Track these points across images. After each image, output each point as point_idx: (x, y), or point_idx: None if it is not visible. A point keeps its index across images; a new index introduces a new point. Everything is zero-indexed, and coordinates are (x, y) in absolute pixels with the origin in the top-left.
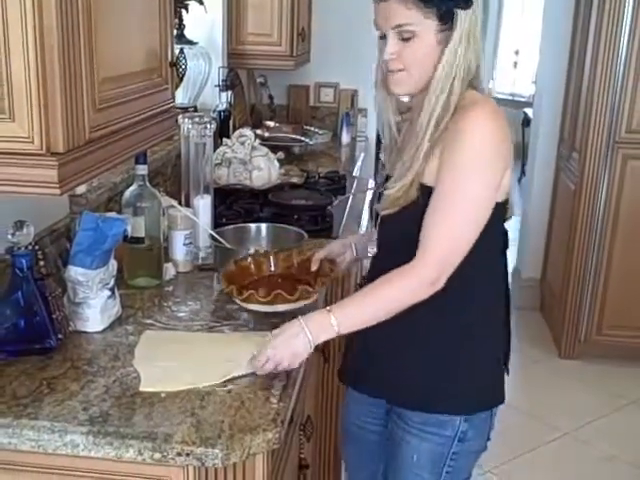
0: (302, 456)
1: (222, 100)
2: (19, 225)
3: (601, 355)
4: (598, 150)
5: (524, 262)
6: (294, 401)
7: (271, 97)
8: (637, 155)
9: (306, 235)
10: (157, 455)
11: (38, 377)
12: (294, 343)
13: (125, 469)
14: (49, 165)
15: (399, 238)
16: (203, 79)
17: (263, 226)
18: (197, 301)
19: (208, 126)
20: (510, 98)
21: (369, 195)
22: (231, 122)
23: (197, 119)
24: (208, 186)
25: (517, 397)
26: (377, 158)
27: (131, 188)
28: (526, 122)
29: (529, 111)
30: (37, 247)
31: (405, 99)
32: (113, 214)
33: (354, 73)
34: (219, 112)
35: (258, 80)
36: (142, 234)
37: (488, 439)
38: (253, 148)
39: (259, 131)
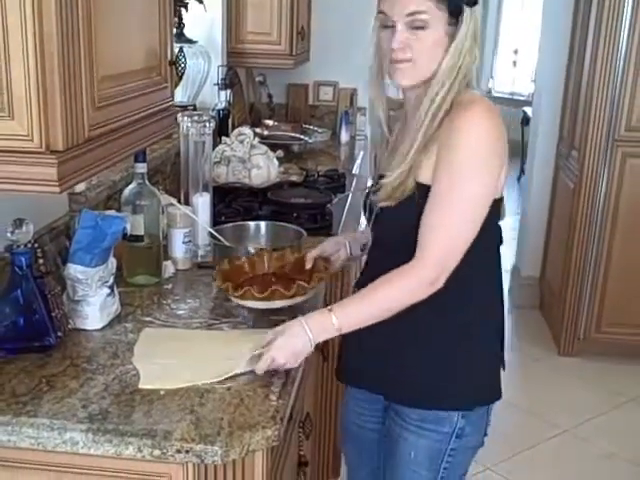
0: (301, 453)
1: (221, 99)
2: (18, 223)
3: (600, 353)
4: (597, 148)
5: (523, 260)
6: (293, 398)
7: (270, 96)
8: (636, 153)
9: (305, 233)
10: (156, 452)
11: (37, 375)
12: (295, 342)
13: (124, 466)
14: (48, 163)
15: (395, 236)
16: (202, 78)
17: (262, 224)
18: (196, 299)
19: (207, 124)
20: (509, 97)
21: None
22: (230, 121)
23: (196, 117)
24: (207, 184)
25: (517, 395)
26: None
27: (130, 186)
28: (525, 121)
29: (528, 110)
30: (36, 245)
31: (400, 95)
32: (112, 212)
33: (353, 72)
34: (218, 111)
35: (257, 79)
36: (141, 232)
37: (485, 434)
38: (252, 146)
39: (258, 130)
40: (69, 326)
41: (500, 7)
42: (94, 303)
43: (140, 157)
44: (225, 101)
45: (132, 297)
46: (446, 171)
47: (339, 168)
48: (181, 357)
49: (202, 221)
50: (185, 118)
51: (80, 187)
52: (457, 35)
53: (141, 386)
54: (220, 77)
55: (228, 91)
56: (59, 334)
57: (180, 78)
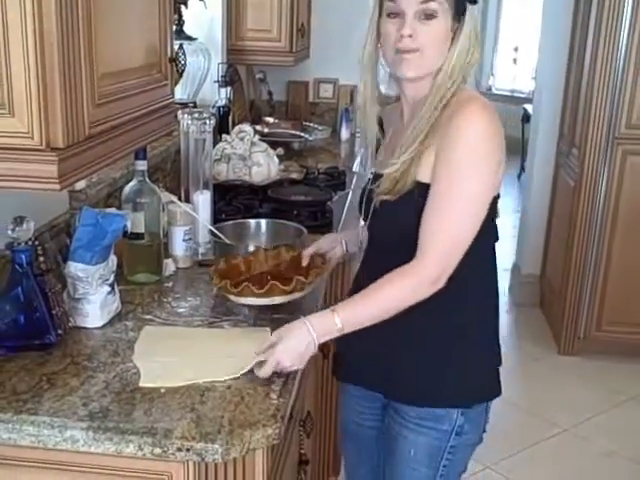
0: (302, 452)
1: (221, 96)
2: (19, 221)
3: (600, 351)
4: (598, 146)
5: (524, 258)
6: (294, 397)
7: (270, 93)
8: (637, 151)
9: (305, 231)
10: (157, 450)
11: (38, 373)
12: (299, 343)
13: (125, 464)
14: (49, 160)
15: (393, 235)
16: (202, 75)
17: (262, 222)
18: (197, 297)
19: (207, 122)
20: (510, 94)
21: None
22: (230, 118)
23: (196, 115)
24: (207, 182)
25: (517, 393)
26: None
27: (131, 184)
28: (526, 118)
29: (529, 107)
30: (37, 243)
31: (389, 91)
32: (113, 210)
33: (353, 69)
34: (218, 108)
35: (257, 76)
36: (142, 230)
37: (484, 431)
38: (252, 144)
39: (258, 127)
40: (70, 324)
41: (500, 4)
42: (95, 301)
43: (140, 154)
44: (225, 98)
45: (133, 295)
46: (445, 170)
47: (339, 165)
48: (182, 355)
49: (202, 219)
50: (185, 115)
51: (80, 185)
52: (462, 32)
53: (142, 384)
54: (220, 74)
55: (228, 88)
56: (60, 332)
57: (180, 75)
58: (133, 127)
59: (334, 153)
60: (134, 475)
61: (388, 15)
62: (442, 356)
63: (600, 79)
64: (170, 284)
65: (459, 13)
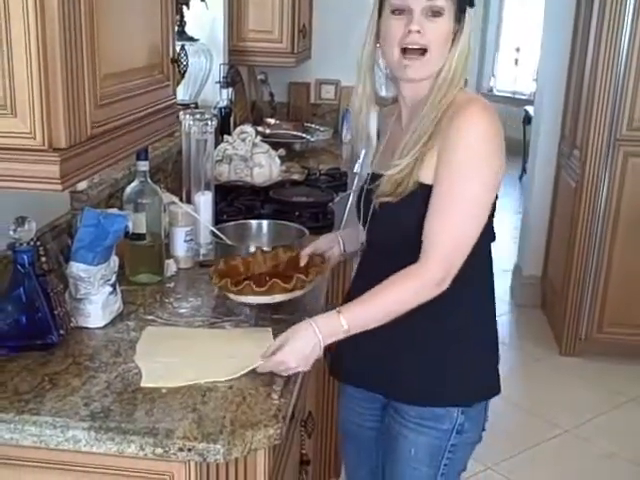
0: (303, 452)
1: (223, 97)
2: (21, 221)
3: (601, 353)
4: (599, 147)
5: (525, 259)
6: (295, 397)
7: (272, 94)
8: (638, 152)
9: (307, 232)
10: (159, 450)
11: (40, 373)
12: (305, 345)
13: (127, 464)
14: (51, 161)
15: (395, 237)
16: (204, 76)
17: (264, 223)
18: (198, 297)
19: (209, 123)
20: (511, 96)
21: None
22: (232, 119)
23: (198, 116)
24: (209, 183)
25: (518, 394)
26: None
27: (132, 184)
28: (527, 120)
29: (530, 109)
30: (39, 243)
31: (389, 94)
32: (114, 210)
33: (355, 70)
34: (220, 109)
35: (259, 77)
36: (143, 230)
37: (483, 430)
38: (254, 145)
39: (260, 128)
40: (71, 324)
41: (502, 5)
42: (96, 301)
43: (142, 155)
44: (227, 99)
45: (134, 295)
46: (446, 171)
47: (341, 167)
48: (183, 355)
49: (204, 220)
50: (187, 116)
51: (82, 185)
52: (462, 34)
53: (143, 384)
54: (222, 75)
55: (230, 89)
56: (61, 332)
57: (182, 76)
58: (135, 128)
59: (335, 154)
60: (136, 475)
61: (393, 12)
62: (442, 358)
63: (601, 81)
64: (172, 285)
65: (461, 12)
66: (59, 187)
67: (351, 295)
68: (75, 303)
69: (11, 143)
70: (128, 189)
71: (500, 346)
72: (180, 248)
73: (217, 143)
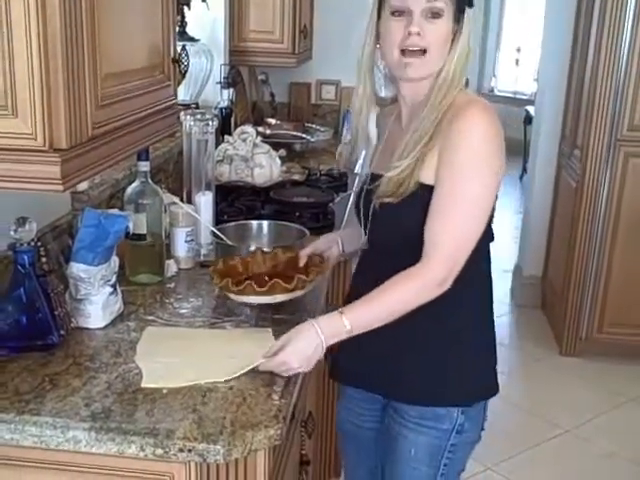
0: (303, 452)
1: (224, 97)
2: (21, 221)
3: (602, 353)
4: (600, 148)
5: (525, 260)
6: (296, 398)
7: (272, 94)
8: (639, 153)
9: (308, 232)
10: (159, 451)
11: (40, 373)
12: (307, 346)
13: (127, 465)
14: (52, 161)
15: (396, 237)
16: (205, 76)
17: (264, 223)
18: (199, 297)
19: (210, 123)
20: (512, 96)
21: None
22: (233, 119)
23: (199, 116)
24: (210, 183)
25: (518, 394)
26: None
27: (133, 185)
28: (528, 120)
29: (531, 109)
30: (39, 243)
31: (389, 94)
32: (115, 211)
33: (355, 71)
34: (221, 109)
35: (260, 77)
36: (144, 231)
37: (482, 429)
38: (255, 145)
39: (260, 128)
40: (72, 325)
41: (503, 5)
42: (97, 302)
43: (143, 155)
44: (228, 100)
45: (135, 296)
46: (448, 172)
47: (340, 167)
48: (184, 356)
49: (204, 220)
50: (188, 117)
51: (83, 186)
52: (461, 35)
53: (144, 385)
54: (222, 76)
55: (230, 90)
56: (62, 333)
57: (183, 76)
58: (136, 128)
59: (336, 155)
60: (136, 475)
61: (392, 13)
62: (443, 358)
63: (602, 81)
64: (172, 285)
65: (460, 13)
66: (60, 188)
67: (351, 294)
68: (75, 303)
69: (12, 144)
70: (129, 189)
71: (500, 346)
72: (181, 248)
73: (218, 143)
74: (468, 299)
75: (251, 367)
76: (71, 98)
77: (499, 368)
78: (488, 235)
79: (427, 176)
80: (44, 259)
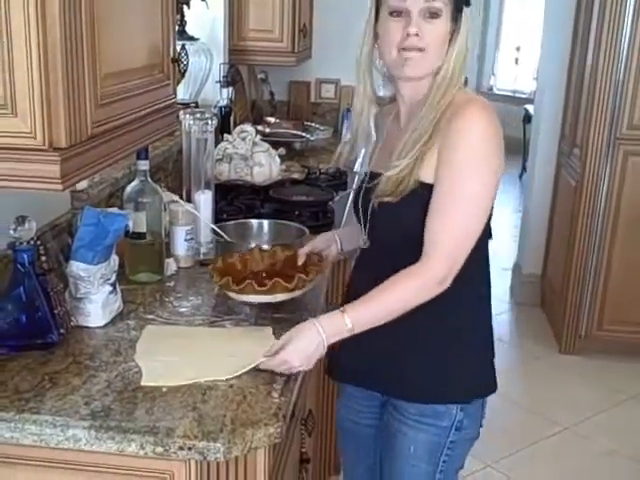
0: (303, 450)
1: (223, 96)
2: (21, 220)
3: (601, 350)
4: (599, 146)
5: (525, 258)
6: (295, 396)
7: (272, 93)
8: (638, 151)
9: (307, 231)
10: (159, 449)
11: (40, 372)
12: (309, 344)
13: (127, 463)
14: (51, 160)
15: (395, 236)
16: (204, 75)
17: (264, 222)
18: (198, 296)
19: (209, 122)
20: (511, 94)
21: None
22: (232, 118)
23: (198, 115)
24: (209, 182)
25: (517, 392)
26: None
27: (132, 183)
28: (527, 118)
29: (530, 107)
30: (39, 242)
31: (387, 93)
32: (115, 209)
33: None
34: (220, 108)
35: (259, 76)
36: (143, 229)
37: (480, 426)
38: (254, 144)
39: (260, 127)
40: (71, 323)
41: (502, 4)
42: (96, 300)
43: (142, 154)
44: (227, 98)
45: (134, 294)
46: (447, 171)
47: (340, 165)
48: (183, 354)
49: (204, 218)
50: (187, 116)
51: (82, 184)
52: (459, 34)
53: (143, 383)
54: (222, 74)
55: (230, 88)
56: (61, 331)
57: (182, 75)
58: (135, 127)
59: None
60: (136, 474)
61: (391, 14)
62: (444, 356)
63: (602, 79)
64: (172, 283)
65: (457, 12)
66: (59, 187)
67: (349, 292)
68: (75, 302)
69: (11, 143)
70: (128, 188)
71: (500, 344)
72: (180, 247)
73: (217, 142)
74: (468, 297)
75: (252, 366)
76: (71, 97)
77: (498, 366)
78: (487, 233)
79: (426, 175)
80: (44, 258)
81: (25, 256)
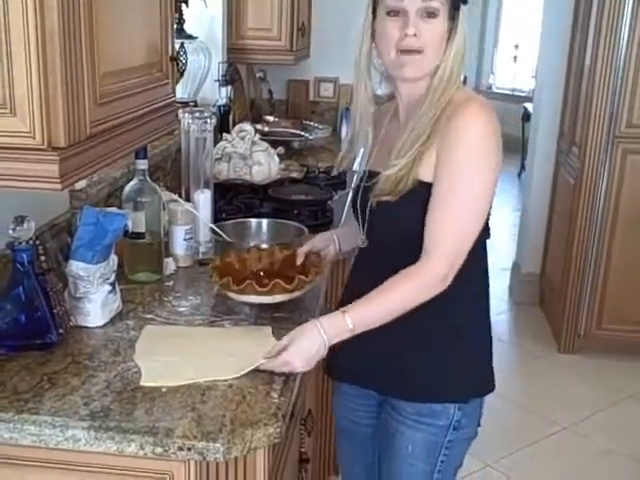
0: (303, 450)
1: (222, 95)
2: (20, 220)
3: (600, 350)
4: (598, 145)
5: (524, 257)
6: (295, 395)
7: (271, 92)
8: (637, 150)
9: (306, 230)
10: (158, 449)
11: (39, 372)
12: (310, 346)
13: (127, 464)
14: (50, 160)
15: (394, 236)
16: (203, 74)
17: (263, 221)
18: (197, 296)
19: (208, 121)
20: (510, 93)
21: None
22: (231, 117)
23: (197, 114)
24: (208, 181)
25: (517, 391)
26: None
27: (131, 183)
28: (526, 117)
29: (529, 106)
30: (38, 242)
31: (386, 91)
32: (113, 209)
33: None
34: (219, 107)
35: (258, 75)
36: (142, 229)
37: (478, 425)
38: (253, 143)
39: (259, 126)
40: (71, 323)
41: (501, 2)
42: (95, 300)
43: (141, 154)
44: (226, 97)
45: (133, 294)
46: (446, 170)
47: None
48: (183, 354)
49: (203, 218)
50: (186, 114)
51: (81, 184)
52: (457, 32)
53: (143, 383)
54: (221, 73)
55: (229, 87)
56: (61, 331)
57: (181, 74)
58: (134, 126)
59: (334, 152)
60: (135, 474)
61: (388, 13)
62: (444, 354)
63: (601, 78)
64: (171, 283)
65: (455, 10)
66: (58, 186)
67: (347, 291)
68: (74, 302)
69: (10, 142)
70: (127, 188)
71: (499, 344)
72: (179, 246)
73: (216, 141)
74: (467, 295)
75: (254, 366)
76: (69, 96)
77: (497, 365)
78: (485, 231)
79: (425, 173)
80: (43, 257)
81: (24, 256)
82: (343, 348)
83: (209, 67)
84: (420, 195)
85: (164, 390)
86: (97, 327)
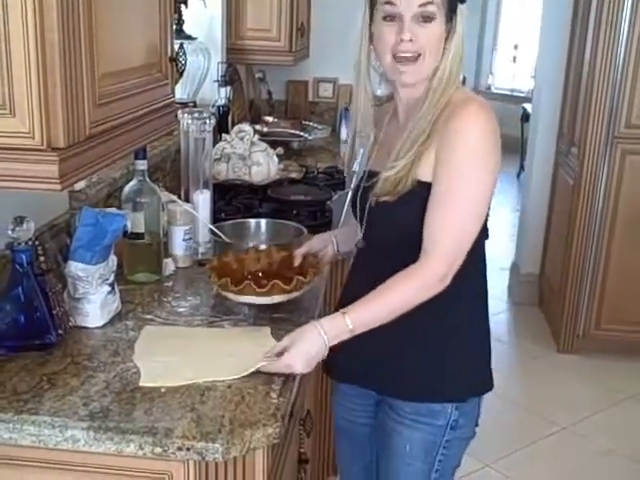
0: (302, 450)
1: (221, 95)
2: (19, 221)
3: (599, 350)
4: (597, 145)
5: (523, 257)
6: (294, 396)
7: (270, 92)
8: (636, 150)
9: (305, 230)
10: (158, 450)
11: (38, 373)
12: (311, 347)
13: (126, 464)
14: (50, 160)
15: (393, 236)
16: (202, 74)
17: (262, 221)
18: (197, 296)
19: (207, 121)
20: (509, 93)
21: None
22: (230, 117)
23: (196, 114)
24: (207, 181)
25: (516, 392)
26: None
27: (131, 183)
28: (525, 117)
29: (528, 106)
30: (37, 243)
31: (385, 92)
32: (113, 210)
33: (353, 68)
34: (218, 107)
35: (257, 75)
36: (142, 229)
37: (476, 425)
38: (252, 143)
39: (258, 126)
40: (70, 324)
41: (500, 2)
42: (95, 301)
43: (140, 154)
44: (225, 98)
45: (133, 295)
46: (445, 170)
47: (339, 165)
48: (182, 355)
49: (202, 218)
50: (185, 115)
51: (80, 185)
52: (455, 33)
53: (142, 384)
54: (220, 74)
55: (228, 88)
56: (60, 332)
57: (180, 75)
58: (133, 127)
59: (333, 152)
60: (135, 474)
61: (384, 18)
62: (442, 354)
63: (599, 78)
64: (170, 284)
65: (451, 12)
66: (58, 187)
67: (346, 291)
68: (73, 302)
69: (10, 143)
70: (126, 188)
71: (498, 344)
72: (179, 247)
73: (215, 142)
74: (466, 295)
75: (255, 368)
76: (69, 97)
77: (496, 366)
78: (484, 231)
79: (424, 173)
80: (42, 258)
81: (23, 256)
82: (342, 348)
83: (208, 68)
84: (419, 195)
85: (163, 390)
86: (96, 328)
